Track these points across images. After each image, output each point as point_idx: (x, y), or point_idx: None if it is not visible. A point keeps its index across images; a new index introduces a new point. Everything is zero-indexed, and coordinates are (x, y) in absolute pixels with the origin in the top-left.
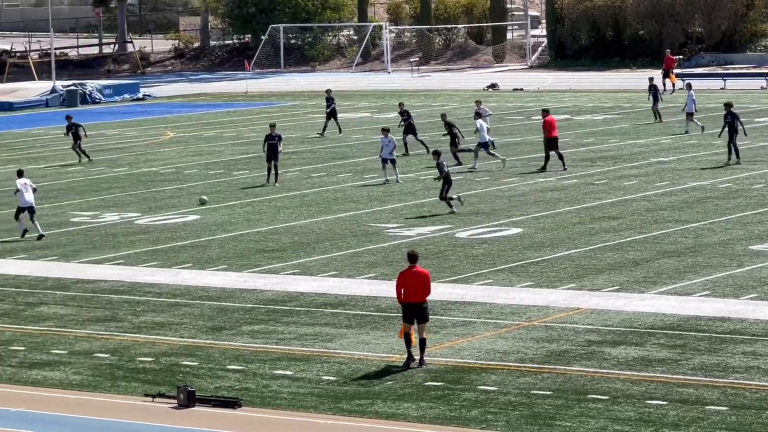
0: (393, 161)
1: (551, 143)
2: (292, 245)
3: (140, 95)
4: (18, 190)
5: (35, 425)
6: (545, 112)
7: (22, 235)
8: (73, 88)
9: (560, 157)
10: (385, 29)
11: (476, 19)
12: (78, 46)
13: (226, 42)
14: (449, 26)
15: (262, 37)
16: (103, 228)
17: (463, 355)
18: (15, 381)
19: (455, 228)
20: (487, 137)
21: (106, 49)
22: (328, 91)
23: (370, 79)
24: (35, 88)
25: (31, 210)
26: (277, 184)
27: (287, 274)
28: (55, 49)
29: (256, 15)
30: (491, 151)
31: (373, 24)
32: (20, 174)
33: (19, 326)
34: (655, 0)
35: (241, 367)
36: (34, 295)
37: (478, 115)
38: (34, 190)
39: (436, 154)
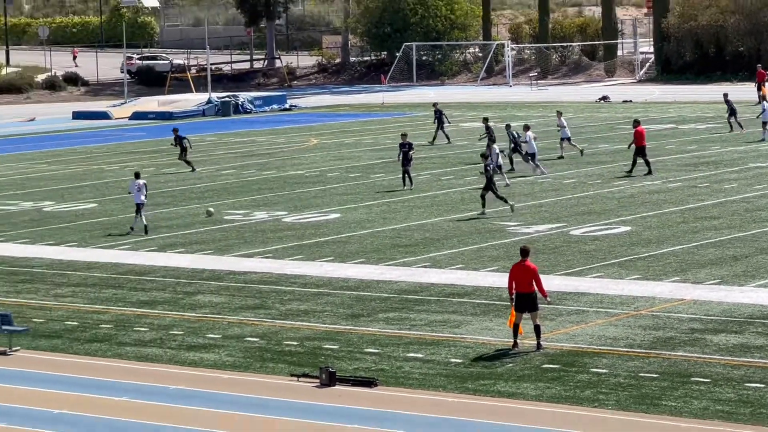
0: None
1: (640, 151)
2: (424, 241)
3: (287, 106)
4: (137, 188)
5: (193, 401)
6: (636, 123)
7: (133, 229)
8: (226, 99)
9: (647, 163)
10: (507, 47)
11: (589, 37)
12: (231, 62)
13: (365, 58)
14: (565, 44)
15: (397, 54)
16: (253, 225)
17: (576, 341)
18: (175, 362)
19: (569, 226)
20: (535, 148)
21: (257, 65)
22: (435, 105)
23: (493, 92)
24: (193, 100)
25: (140, 206)
26: (412, 188)
27: (419, 266)
28: (211, 64)
29: (392, 34)
30: (534, 162)
31: (497, 42)
32: (137, 176)
33: (178, 313)
34: (754, 19)
35: (377, 351)
36: (192, 285)
37: (527, 127)
38: (146, 189)
39: (484, 156)
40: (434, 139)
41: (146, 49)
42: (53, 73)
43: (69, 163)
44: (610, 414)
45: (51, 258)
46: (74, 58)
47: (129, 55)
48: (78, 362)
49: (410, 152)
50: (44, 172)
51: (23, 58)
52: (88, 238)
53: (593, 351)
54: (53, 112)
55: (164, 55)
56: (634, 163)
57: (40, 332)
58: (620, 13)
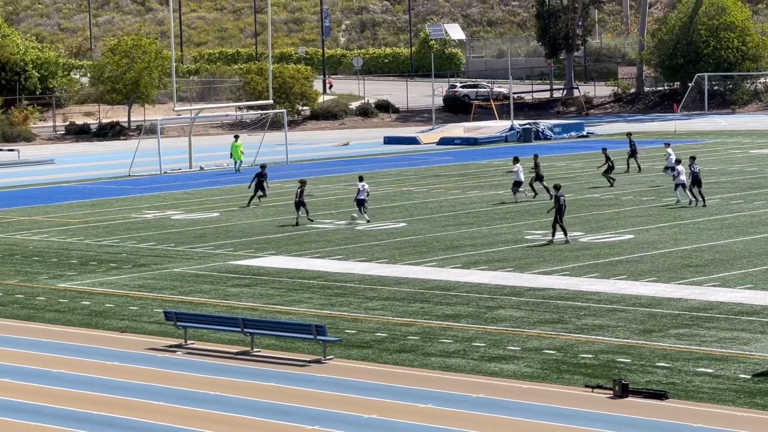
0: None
1: None
2: (713, 261)
3: (584, 133)
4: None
5: (493, 409)
6: None
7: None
8: (528, 126)
9: None
10: None
11: None
12: (532, 91)
13: (658, 88)
14: None
15: (689, 84)
16: (550, 245)
17: None
18: (477, 372)
19: None
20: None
21: (556, 94)
22: (628, 134)
23: None
24: (496, 126)
25: (361, 203)
26: (704, 206)
27: (708, 285)
28: (513, 93)
29: (684, 65)
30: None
31: None
32: (361, 179)
33: (480, 326)
34: None
35: (667, 365)
36: (494, 299)
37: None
38: (367, 194)
39: (556, 188)
40: (628, 168)
41: (452, 79)
42: (366, 101)
43: (380, 185)
44: None
45: (362, 273)
46: (330, 86)
47: (453, 83)
48: (386, 371)
49: (698, 174)
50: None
51: (339, 86)
52: (398, 255)
53: None
54: (365, 137)
55: (483, 83)
56: None
57: (351, 342)
58: None
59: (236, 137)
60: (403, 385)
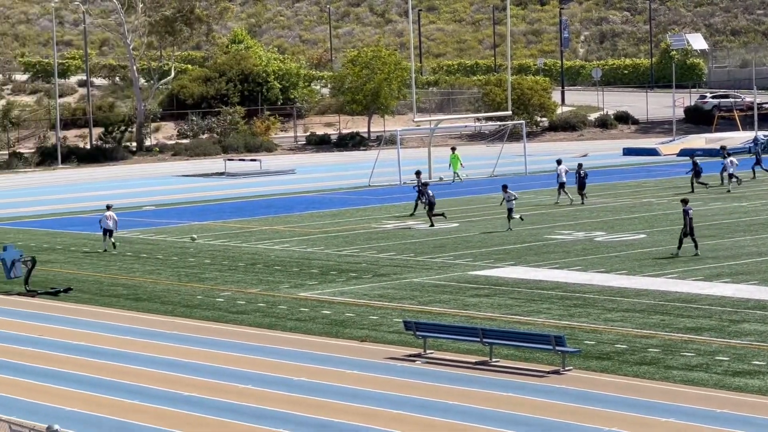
0: None
1: None
2: None
3: None
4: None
5: (736, 425)
6: None
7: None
8: None
9: None
10: None
11: None
12: None
13: None
14: None
15: None
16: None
17: None
18: (720, 386)
19: None
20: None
21: None
22: (722, 148)
23: None
24: (739, 137)
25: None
26: None
27: None
28: (758, 103)
29: None
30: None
31: None
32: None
33: (723, 339)
34: None
35: None
36: (737, 313)
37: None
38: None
39: (684, 201)
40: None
41: (694, 90)
42: (605, 112)
43: (618, 196)
44: None
45: (601, 285)
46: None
47: (703, 94)
48: (626, 383)
49: None
50: (594, 204)
51: (577, 98)
52: (637, 267)
53: None
54: (604, 148)
55: (736, 93)
56: None
57: (590, 354)
58: None
59: (453, 149)
60: (643, 398)
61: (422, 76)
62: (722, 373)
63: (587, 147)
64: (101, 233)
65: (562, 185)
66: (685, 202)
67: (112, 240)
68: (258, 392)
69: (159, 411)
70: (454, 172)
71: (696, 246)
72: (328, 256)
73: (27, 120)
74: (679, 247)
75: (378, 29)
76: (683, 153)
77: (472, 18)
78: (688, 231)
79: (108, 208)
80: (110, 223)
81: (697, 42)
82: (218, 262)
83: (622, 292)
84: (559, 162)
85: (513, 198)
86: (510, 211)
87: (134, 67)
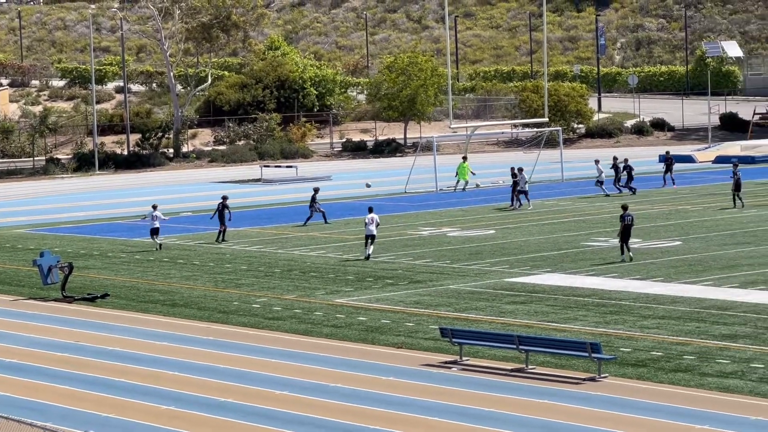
0: None
1: None
2: None
3: None
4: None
5: None
6: None
7: None
8: None
9: None
10: None
11: None
12: None
13: None
14: None
15: None
16: None
17: None
18: (755, 393)
19: None
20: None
21: None
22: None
23: None
24: None
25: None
26: None
27: None
28: None
29: None
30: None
31: None
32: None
33: (759, 347)
34: None
35: None
36: None
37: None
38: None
39: (624, 207)
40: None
41: (729, 97)
42: (641, 119)
43: (654, 203)
44: None
45: (637, 292)
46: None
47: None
48: (662, 390)
49: None
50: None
51: (613, 104)
52: (673, 273)
53: None
54: (640, 155)
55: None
56: None
57: (626, 361)
58: None
59: (464, 158)
60: (679, 405)
61: (459, 82)
62: (757, 380)
63: (623, 153)
64: (148, 236)
65: (600, 183)
66: (624, 208)
67: (159, 240)
68: (294, 398)
69: (195, 417)
70: (464, 181)
71: (623, 251)
72: (364, 263)
73: (64, 126)
74: (622, 253)
75: (414, 35)
76: (719, 160)
77: (509, 24)
78: (623, 236)
79: (154, 207)
80: (156, 223)
81: (732, 49)
82: (254, 268)
83: (658, 299)
84: (597, 161)
85: (525, 181)
86: (524, 193)
87: (171, 74)
